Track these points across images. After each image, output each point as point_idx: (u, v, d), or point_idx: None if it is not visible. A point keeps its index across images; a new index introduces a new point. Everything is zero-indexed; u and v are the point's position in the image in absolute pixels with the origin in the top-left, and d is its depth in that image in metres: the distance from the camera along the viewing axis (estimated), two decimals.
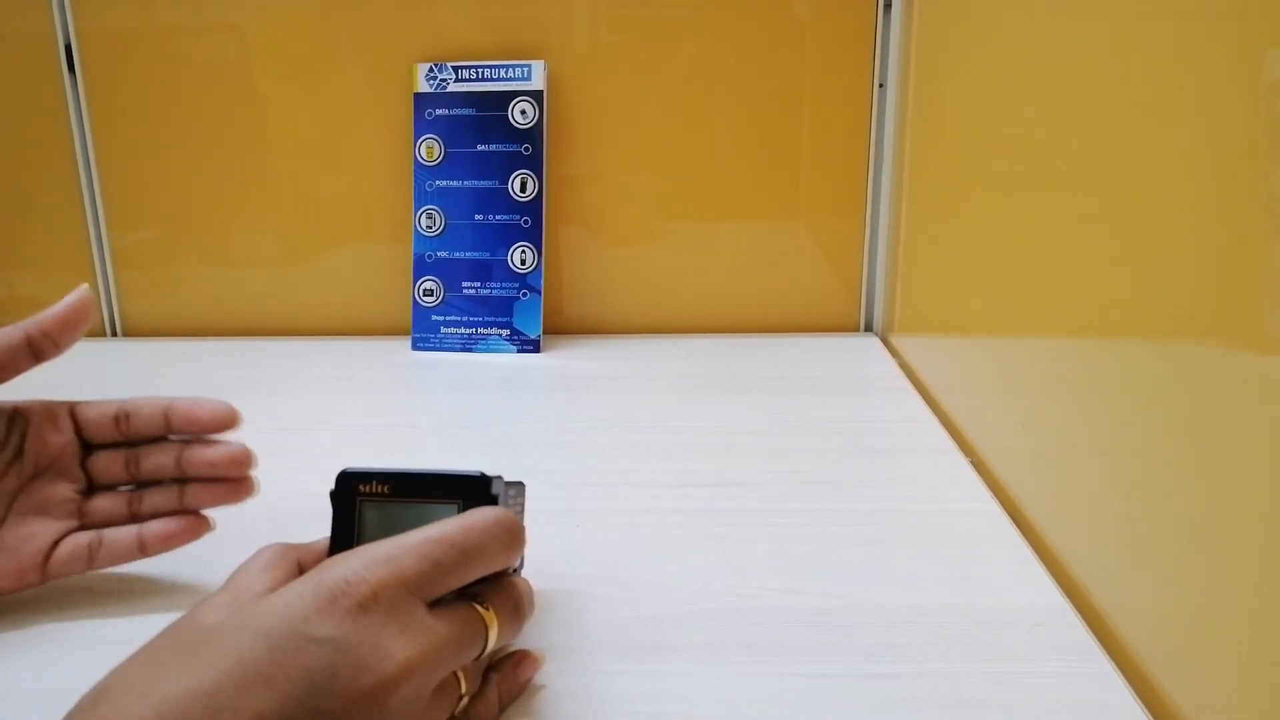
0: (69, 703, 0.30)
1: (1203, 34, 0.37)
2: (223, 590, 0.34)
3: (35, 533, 0.45)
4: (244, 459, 0.46)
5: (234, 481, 0.46)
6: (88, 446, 0.47)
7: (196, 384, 0.77)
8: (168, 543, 0.46)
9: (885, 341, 0.86)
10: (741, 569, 0.49)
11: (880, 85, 0.83)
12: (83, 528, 0.46)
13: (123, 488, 0.47)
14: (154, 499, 0.47)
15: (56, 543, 0.45)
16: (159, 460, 0.46)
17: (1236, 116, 0.35)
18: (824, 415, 0.69)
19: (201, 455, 0.46)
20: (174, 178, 0.87)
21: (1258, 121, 0.34)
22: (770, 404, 0.71)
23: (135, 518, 0.47)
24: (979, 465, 0.61)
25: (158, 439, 0.47)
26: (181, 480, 0.47)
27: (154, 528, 0.46)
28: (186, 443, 0.47)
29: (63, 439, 0.46)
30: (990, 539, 0.52)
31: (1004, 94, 0.59)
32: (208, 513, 0.47)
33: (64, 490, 0.46)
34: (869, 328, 0.89)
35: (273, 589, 0.33)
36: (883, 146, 0.84)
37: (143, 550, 0.46)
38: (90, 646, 0.43)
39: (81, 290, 0.45)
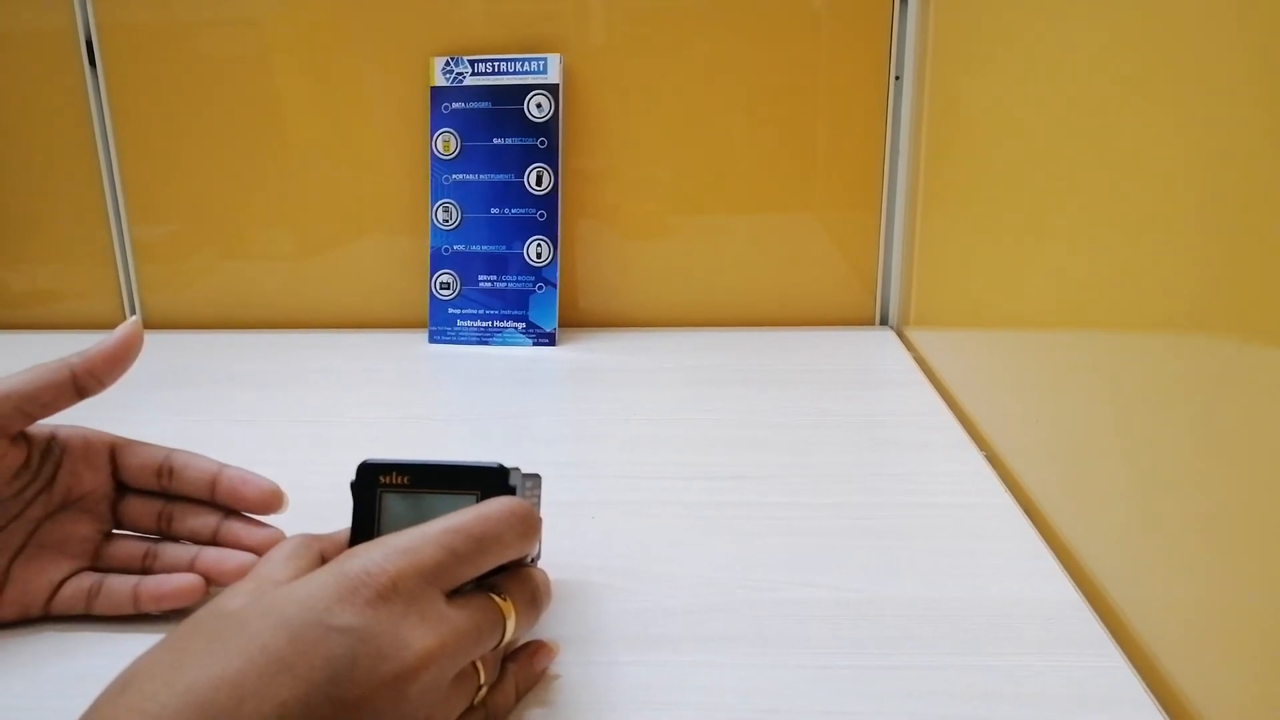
0: (96, 690, 0.30)
1: (1219, 28, 0.37)
2: (247, 579, 0.35)
3: (46, 569, 0.44)
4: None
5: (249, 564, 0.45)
6: (121, 487, 0.47)
7: (216, 377, 0.78)
8: (160, 602, 0.44)
9: (900, 335, 0.86)
10: (755, 562, 0.50)
11: (896, 78, 0.83)
12: (94, 568, 0.46)
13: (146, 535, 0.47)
14: (168, 556, 0.46)
15: (64, 580, 0.45)
16: (194, 526, 0.46)
17: (1253, 111, 0.35)
18: (838, 409, 0.69)
19: (240, 538, 0.46)
20: (193, 171, 0.88)
21: (1274, 116, 0.34)
22: (785, 397, 0.71)
23: (146, 570, 0.46)
24: (993, 459, 0.61)
25: (197, 500, 0.47)
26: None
27: (150, 585, 0.44)
28: (226, 512, 0.46)
29: (97, 479, 0.46)
30: (1003, 533, 0.52)
31: (1020, 87, 0.59)
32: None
33: (86, 529, 0.46)
34: (884, 321, 0.89)
35: (295, 578, 0.34)
36: (898, 139, 0.84)
37: (135, 605, 0.44)
38: (113, 638, 0.44)
39: (131, 324, 0.44)
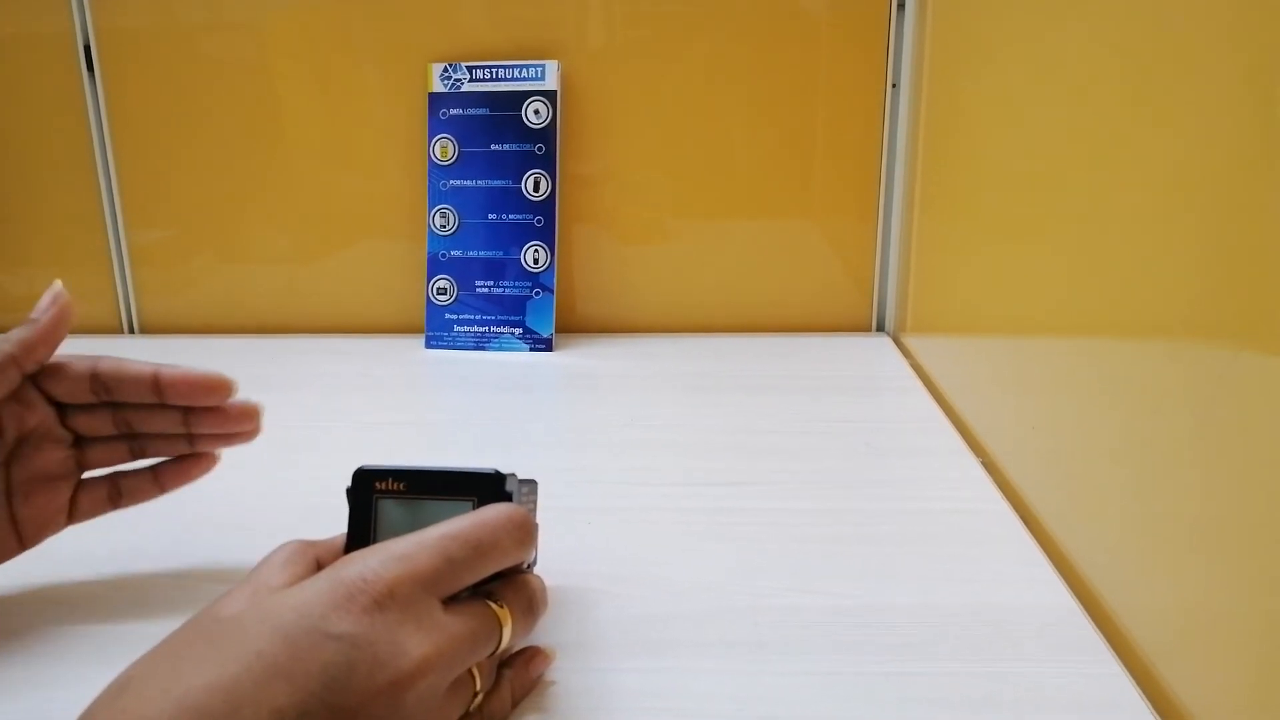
0: (91, 694, 0.30)
1: (1215, 37, 0.38)
2: (242, 585, 0.35)
3: (49, 498, 0.45)
4: (254, 414, 0.46)
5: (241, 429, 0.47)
6: (63, 405, 0.46)
7: None
8: (185, 476, 0.47)
9: (897, 341, 0.86)
10: (752, 568, 0.50)
11: (893, 85, 0.83)
12: (83, 466, 0.46)
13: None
14: (157, 443, 0.47)
15: (74, 496, 0.46)
16: (162, 427, 0.46)
17: (1248, 117, 0.35)
18: (835, 415, 0.69)
19: (211, 422, 0.46)
20: (191, 176, 0.88)
21: (1270, 122, 0.34)
22: (782, 403, 0.72)
23: (135, 454, 0.47)
24: (990, 466, 0.61)
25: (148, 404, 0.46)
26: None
27: (169, 468, 0.47)
28: (187, 410, 0.46)
29: (38, 414, 0.45)
30: (1000, 539, 0.52)
31: (1016, 95, 0.59)
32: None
33: (56, 452, 0.45)
34: (881, 327, 0.89)
35: (291, 584, 0.34)
36: (895, 146, 0.84)
37: (162, 489, 0.47)
38: (110, 643, 0.44)
39: (54, 294, 0.44)
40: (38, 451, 0.45)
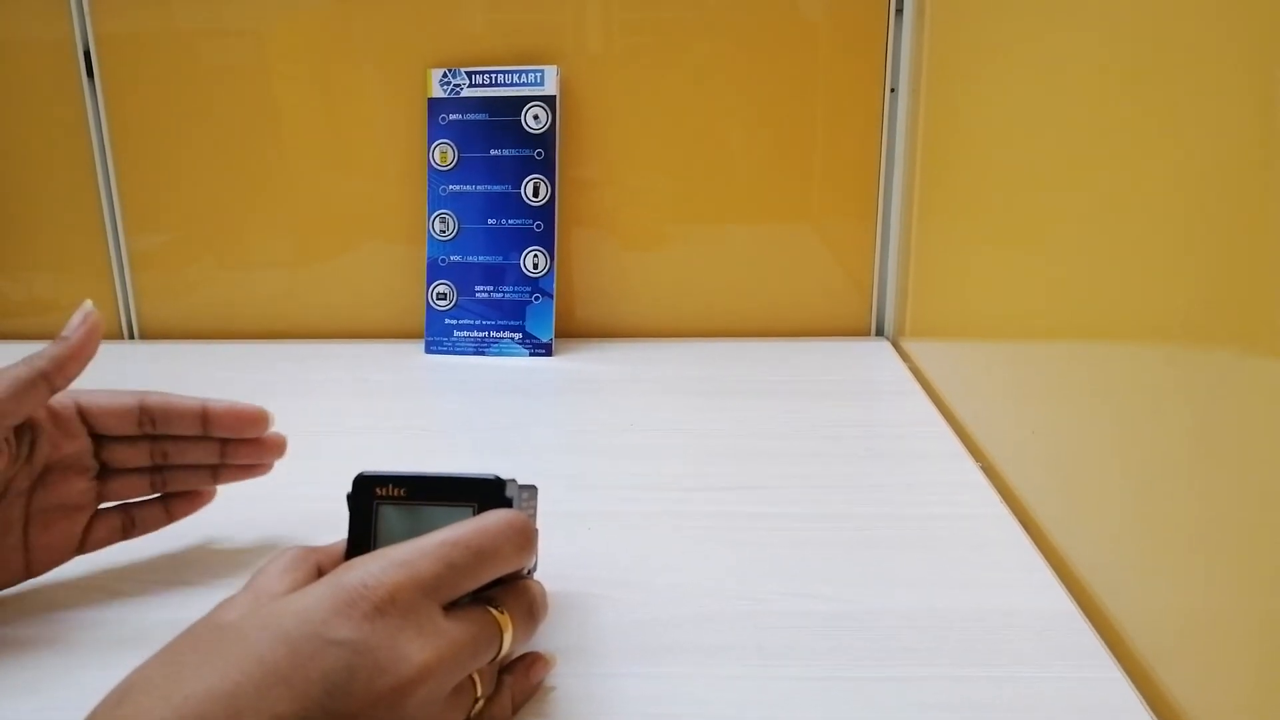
0: (91, 701, 0.30)
1: (1214, 38, 0.38)
2: (243, 591, 0.35)
3: (64, 528, 0.46)
4: (283, 445, 0.50)
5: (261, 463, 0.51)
6: (99, 436, 0.48)
7: (211, 387, 0.78)
8: (194, 506, 0.50)
9: (896, 346, 0.86)
10: (753, 572, 0.50)
11: (891, 90, 0.83)
12: (101, 497, 0.48)
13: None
14: (182, 475, 0.49)
15: (89, 524, 0.47)
16: (198, 456, 0.49)
17: (1248, 121, 0.35)
18: (835, 419, 0.69)
19: (247, 453, 0.49)
20: (190, 181, 0.88)
21: (1270, 124, 0.34)
22: (781, 408, 0.72)
23: (156, 487, 0.49)
24: (989, 470, 0.61)
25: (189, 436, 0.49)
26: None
27: (181, 500, 0.50)
28: (222, 440, 0.49)
29: (76, 444, 0.46)
30: (1000, 544, 0.52)
31: (1015, 99, 0.59)
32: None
33: (79, 482, 0.47)
34: (880, 332, 0.89)
35: (292, 591, 0.34)
36: (894, 151, 0.85)
37: (171, 518, 0.49)
38: (110, 648, 0.44)
39: (85, 313, 0.45)
40: (63, 480, 0.46)
